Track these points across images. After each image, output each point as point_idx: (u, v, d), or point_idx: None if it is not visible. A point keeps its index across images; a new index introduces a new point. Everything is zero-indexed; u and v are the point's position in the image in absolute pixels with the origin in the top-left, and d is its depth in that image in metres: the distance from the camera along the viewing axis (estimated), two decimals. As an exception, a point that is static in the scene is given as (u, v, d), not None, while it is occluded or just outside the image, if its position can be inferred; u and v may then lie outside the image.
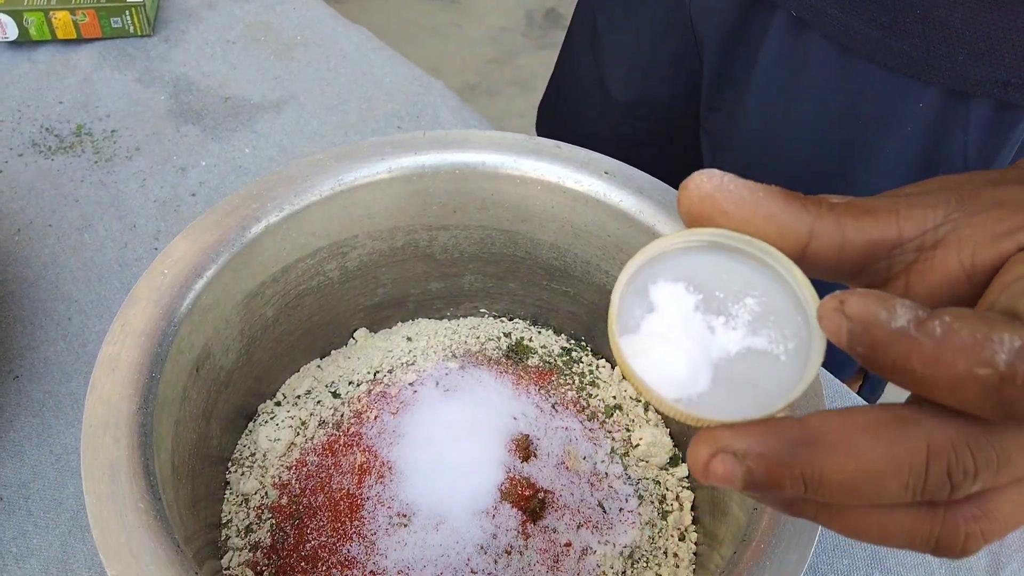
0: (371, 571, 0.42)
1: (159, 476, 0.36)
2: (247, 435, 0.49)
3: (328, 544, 0.43)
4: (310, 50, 0.75)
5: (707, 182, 0.23)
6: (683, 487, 0.48)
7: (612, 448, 0.49)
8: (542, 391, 0.50)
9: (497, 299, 0.55)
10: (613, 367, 0.53)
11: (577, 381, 0.52)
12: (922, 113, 0.52)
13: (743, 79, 0.59)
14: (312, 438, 0.48)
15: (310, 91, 0.72)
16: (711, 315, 0.24)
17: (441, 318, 0.56)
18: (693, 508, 0.48)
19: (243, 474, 0.47)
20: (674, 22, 0.64)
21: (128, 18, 0.72)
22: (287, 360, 0.51)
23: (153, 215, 0.62)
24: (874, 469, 0.20)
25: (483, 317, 0.56)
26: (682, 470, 0.49)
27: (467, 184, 0.48)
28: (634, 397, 0.52)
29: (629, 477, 0.48)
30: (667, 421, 0.51)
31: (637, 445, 0.49)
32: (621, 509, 0.46)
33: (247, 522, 0.45)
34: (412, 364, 0.52)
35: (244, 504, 0.46)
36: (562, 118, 0.79)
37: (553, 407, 0.49)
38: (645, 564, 0.45)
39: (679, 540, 0.46)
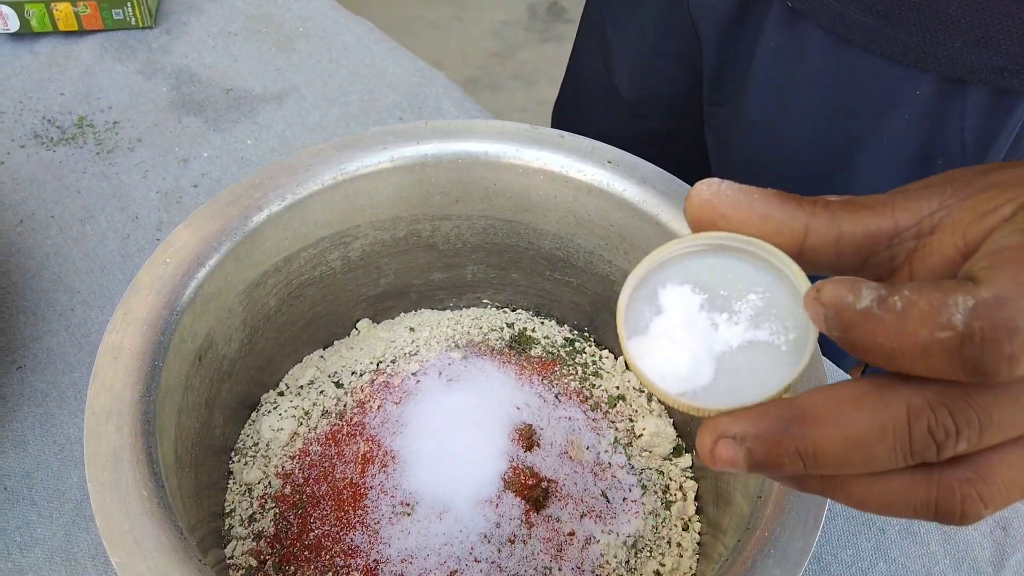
0: (374, 560, 0.42)
1: (162, 465, 0.36)
2: (250, 425, 0.49)
3: (331, 533, 0.43)
4: (312, 42, 0.75)
5: (706, 190, 0.24)
6: (686, 477, 0.48)
7: (615, 438, 0.49)
8: (545, 381, 0.50)
9: (500, 290, 0.55)
10: (616, 357, 0.53)
11: (580, 371, 0.52)
12: (919, 101, 0.52)
13: (743, 73, 0.59)
14: (315, 428, 0.48)
15: (312, 83, 0.71)
16: (715, 312, 0.25)
17: (444, 309, 0.56)
18: (697, 498, 0.47)
19: (246, 464, 0.47)
20: (675, 19, 0.64)
21: (130, 10, 0.72)
22: (290, 350, 0.51)
23: (155, 206, 0.62)
24: (860, 436, 0.21)
25: (486, 308, 0.56)
26: (685, 460, 0.49)
27: (469, 174, 0.48)
28: (637, 388, 0.52)
29: (632, 467, 0.48)
30: (670, 412, 0.51)
31: (640, 435, 0.49)
32: (624, 499, 0.46)
33: (250, 511, 0.45)
34: (415, 354, 0.51)
35: (247, 493, 0.46)
36: (573, 119, 0.79)
37: (556, 397, 0.49)
38: (649, 553, 0.45)
39: (683, 530, 0.46)
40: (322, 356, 0.52)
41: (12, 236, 0.60)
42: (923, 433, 0.20)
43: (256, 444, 0.48)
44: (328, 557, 0.42)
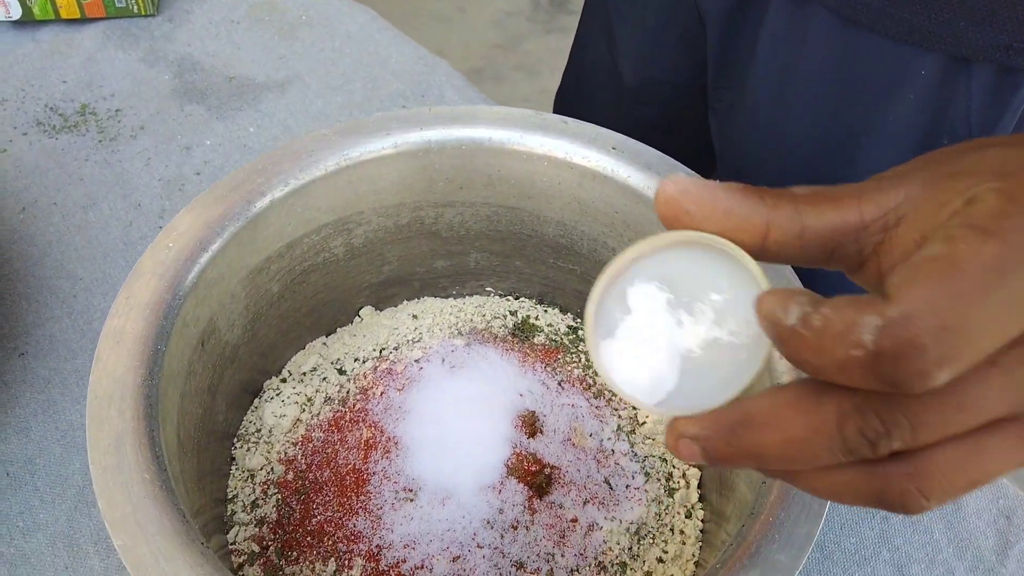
0: (377, 545, 0.42)
1: (165, 449, 0.36)
2: (252, 411, 0.49)
3: (334, 519, 0.43)
4: (315, 30, 0.75)
5: (672, 187, 0.25)
6: (690, 465, 0.48)
7: (619, 426, 0.49)
8: (548, 368, 0.50)
9: (503, 277, 0.55)
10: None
11: (583, 359, 0.52)
12: (924, 80, 0.52)
13: (747, 55, 0.59)
14: (318, 414, 0.48)
15: (315, 71, 0.71)
16: (680, 311, 0.25)
17: (447, 297, 0.55)
18: (700, 486, 0.47)
19: (249, 450, 0.47)
20: (679, 4, 0.64)
21: (132, -3, 0.72)
22: (292, 337, 0.51)
23: (158, 194, 0.62)
24: (798, 437, 0.22)
25: (489, 296, 0.56)
26: (689, 448, 0.49)
27: (473, 160, 0.48)
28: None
29: (636, 454, 0.48)
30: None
31: (643, 423, 0.49)
32: (628, 486, 0.46)
33: (253, 497, 0.45)
34: (418, 341, 0.51)
35: (250, 479, 0.46)
36: (575, 107, 0.79)
37: (559, 384, 0.49)
38: (652, 540, 0.45)
39: (686, 517, 0.46)
40: (324, 343, 0.52)
41: (15, 223, 0.59)
42: (854, 434, 0.21)
43: (259, 430, 0.48)
44: (331, 543, 0.42)
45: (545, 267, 0.53)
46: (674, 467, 0.48)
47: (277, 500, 0.45)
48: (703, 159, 0.70)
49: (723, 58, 0.62)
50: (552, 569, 0.42)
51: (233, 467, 0.47)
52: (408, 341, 0.52)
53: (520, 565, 0.42)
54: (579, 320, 0.55)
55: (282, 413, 0.48)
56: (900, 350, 0.20)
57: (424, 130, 0.47)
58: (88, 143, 0.65)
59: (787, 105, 0.58)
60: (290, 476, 0.45)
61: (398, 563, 0.41)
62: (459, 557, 0.41)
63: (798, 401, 0.22)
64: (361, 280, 0.52)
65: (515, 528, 0.42)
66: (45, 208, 0.61)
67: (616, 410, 0.49)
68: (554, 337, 0.53)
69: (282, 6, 0.76)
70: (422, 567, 0.41)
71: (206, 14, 0.75)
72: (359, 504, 0.43)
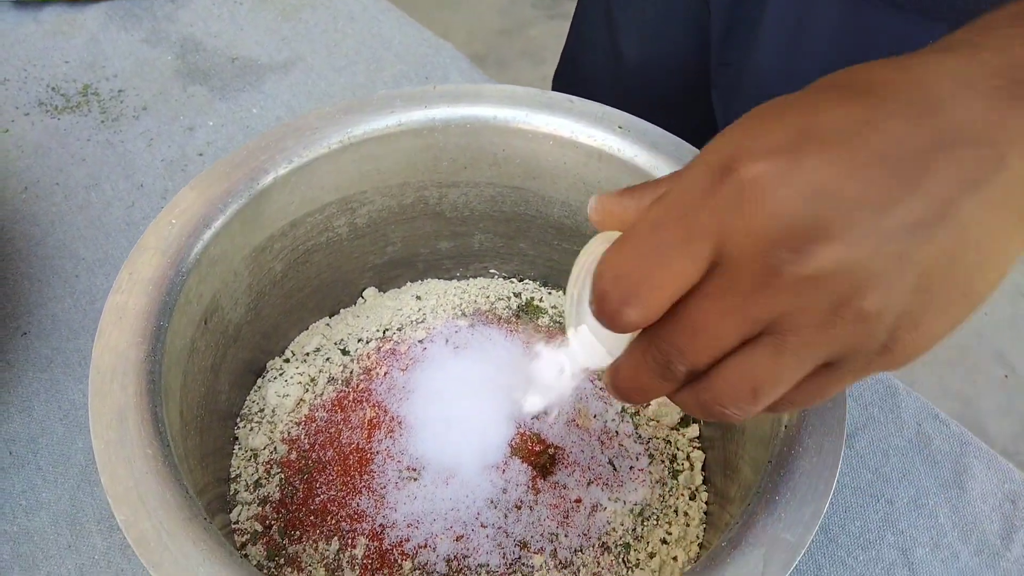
0: (380, 524, 0.41)
1: (168, 426, 0.36)
2: (256, 391, 0.48)
3: (337, 498, 0.43)
4: (318, 11, 0.74)
5: (592, 203, 0.30)
6: (694, 447, 0.48)
7: (623, 407, 0.48)
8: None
9: (507, 259, 0.55)
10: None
11: (588, 341, 0.52)
12: None
13: (751, 30, 0.58)
14: (321, 394, 0.47)
15: (318, 52, 0.71)
16: None
17: (451, 278, 0.55)
18: (704, 468, 0.47)
19: (252, 429, 0.47)
20: None
21: (134, -23, 0.71)
22: (295, 317, 0.51)
23: (160, 174, 0.62)
24: (635, 374, 0.28)
25: (493, 278, 0.55)
26: (693, 430, 0.48)
27: (478, 139, 0.48)
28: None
29: (640, 436, 0.47)
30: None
31: (648, 405, 0.49)
32: (632, 467, 0.46)
33: (256, 477, 0.45)
34: (422, 322, 0.51)
35: (253, 459, 0.46)
36: (575, 89, 0.78)
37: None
38: (655, 522, 0.44)
39: (690, 499, 0.46)
40: (328, 324, 0.52)
41: (17, 203, 0.59)
42: (651, 362, 0.27)
43: (262, 410, 0.48)
44: (334, 522, 0.42)
45: (549, 249, 0.53)
46: (678, 449, 0.48)
47: (280, 480, 0.45)
48: (705, 137, 0.69)
49: (727, 34, 0.62)
50: (556, 549, 0.42)
51: (236, 447, 0.46)
52: (412, 322, 0.51)
53: (524, 544, 0.42)
54: (583, 302, 0.54)
55: (285, 393, 0.47)
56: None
57: (428, 108, 0.47)
58: (90, 123, 0.64)
59: (791, 80, 0.58)
60: (293, 456, 0.45)
61: (401, 542, 0.41)
62: (462, 536, 0.41)
63: (631, 346, 0.28)
64: (365, 260, 0.52)
65: (519, 508, 0.42)
66: (47, 188, 0.60)
67: (620, 392, 0.49)
68: (558, 319, 0.53)
69: (285, -13, 0.76)
70: (425, 546, 0.41)
71: (209, -5, 0.74)
72: (362, 483, 0.43)
